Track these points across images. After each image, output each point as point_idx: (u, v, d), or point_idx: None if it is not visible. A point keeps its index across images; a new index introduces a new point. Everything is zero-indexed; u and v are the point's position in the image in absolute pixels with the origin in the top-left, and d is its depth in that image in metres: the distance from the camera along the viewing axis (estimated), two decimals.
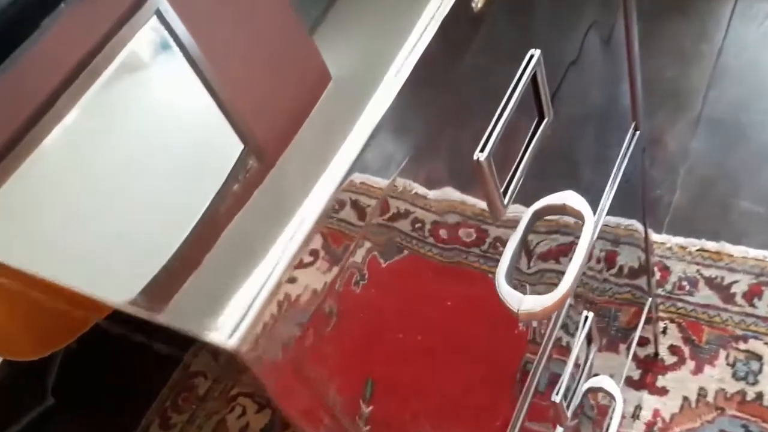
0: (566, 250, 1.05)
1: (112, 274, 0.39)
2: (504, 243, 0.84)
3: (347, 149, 0.55)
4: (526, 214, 0.82)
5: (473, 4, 0.60)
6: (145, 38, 0.40)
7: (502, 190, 0.74)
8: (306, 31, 0.52)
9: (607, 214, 1.12)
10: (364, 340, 0.63)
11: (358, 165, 0.57)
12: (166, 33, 0.41)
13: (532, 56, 0.72)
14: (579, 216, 0.82)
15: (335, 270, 0.55)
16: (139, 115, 0.41)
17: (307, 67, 0.52)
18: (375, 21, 0.60)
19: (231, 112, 0.45)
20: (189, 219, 0.44)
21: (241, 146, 0.47)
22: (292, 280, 0.51)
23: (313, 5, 0.54)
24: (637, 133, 1.18)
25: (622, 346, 1.43)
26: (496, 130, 0.69)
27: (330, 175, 0.55)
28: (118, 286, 0.39)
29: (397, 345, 0.68)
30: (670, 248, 1.87)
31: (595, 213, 1.10)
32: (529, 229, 0.83)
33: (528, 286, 0.93)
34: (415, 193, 0.65)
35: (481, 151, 0.68)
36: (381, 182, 0.61)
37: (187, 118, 0.44)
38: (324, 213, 0.52)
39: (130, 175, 0.41)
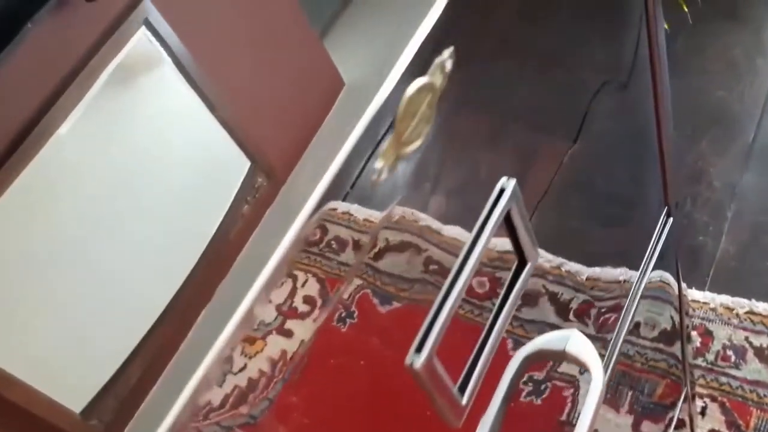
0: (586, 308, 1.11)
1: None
2: (537, 296, 0.88)
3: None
4: (514, 360, 0.78)
5: (373, 177, 0.61)
6: (133, 52, 0.44)
7: (457, 387, 0.67)
8: (317, 36, 0.57)
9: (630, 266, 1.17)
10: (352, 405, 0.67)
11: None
12: (157, 44, 0.46)
13: (503, 190, 0.68)
14: (584, 366, 0.77)
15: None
16: (129, 139, 0.45)
17: (318, 75, 0.57)
18: (386, 22, 0.66)
19: (234, 126, 0.49)
20: (192, 254, 0.48)
21: (248, 163, 0.51)
22: (287, 334, 0.56)
23: (324, 8, 0.59)
24: (670, 219, 1.21)
25: (655, 428, 1.47)
26: (440, 318, 0.62)
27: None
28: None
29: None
30: (713, 309, 1.93)
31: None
32: (517, 381, 0.77)
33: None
34: (426, 227, 0.69)
35: (418, 351, 0.61)
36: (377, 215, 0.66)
37: (185, 137, 0.48)
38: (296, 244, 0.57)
39: (122, 212, 0.45)
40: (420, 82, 0.61)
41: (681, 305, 1.44)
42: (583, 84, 0.95)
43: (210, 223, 0.50)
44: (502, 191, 0.68)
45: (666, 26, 2.15)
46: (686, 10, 2.16)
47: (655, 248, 1.19)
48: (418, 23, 0.62)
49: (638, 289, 1.16)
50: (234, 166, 0.51)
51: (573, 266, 1.01)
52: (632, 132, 1.12)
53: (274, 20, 0.53)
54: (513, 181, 0.69)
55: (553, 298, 0.97)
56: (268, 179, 0.54)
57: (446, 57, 0.63)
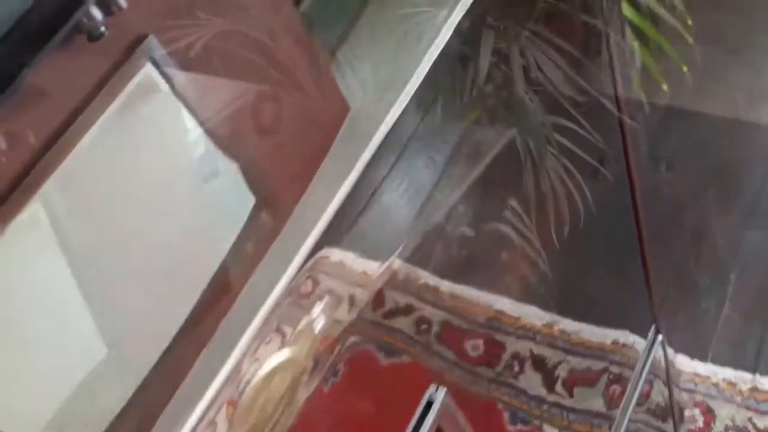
0: (591, 379, 1.13)
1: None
2: (524, 360, 0.90)
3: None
4: None
5: None
6: (138, 88, 0.47)
7: None
8: (325, 62, 0.60)
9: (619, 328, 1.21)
10: None
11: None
12: (162, 80, 0.48)
13: (430, 403, 0.66)
14: None
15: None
16: (130, 175, 0.48)
17: (324, 102, 0.60)
18: (391, 45, 0.69)
19: (238, 160, 0.52)
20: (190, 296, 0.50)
21: (253, 199, 0.54)
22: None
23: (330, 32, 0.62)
24: (659, 336, 1.30)
25: None
26: None
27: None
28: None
29: None
30: (715, 384, 1.96)
31: None
32: None
33: (545, 426, 0.99)
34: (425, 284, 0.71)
35: None
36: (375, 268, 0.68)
37: (188, 173, 0.50)
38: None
39: (119, 251, 0.47)
40: (276, 360, 0.55)
41: (668, 370, 1.49)
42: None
43: (212, 262, 0.52)
44: (429, 404, 0.65)
45: (665, 87, 2.24)
46: (685, 70, 2.24)
47: (644, 366, 1.25)
48: (425, 46, 0.65)
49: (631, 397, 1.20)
50: (238, 201, 0.53)
51: (569, 325, 1.03)
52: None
53: (280, 48, 0.56)
54: (443, 392, 0.66)
55: (539, 363, 0.99)
56: (273, 215, 0.56)
57: (316, 315, 0.60)
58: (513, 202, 0.83)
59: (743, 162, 2.34)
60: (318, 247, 0.60)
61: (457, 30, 0.64)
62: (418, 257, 0.70)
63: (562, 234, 0.89)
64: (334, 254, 0.63)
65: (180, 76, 0.49)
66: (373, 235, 0.65)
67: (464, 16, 0.66)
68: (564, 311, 1.00)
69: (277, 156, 0.58)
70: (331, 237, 0.61)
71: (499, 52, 0.74)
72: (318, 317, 0.61)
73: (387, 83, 0.64)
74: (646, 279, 1.24)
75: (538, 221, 0.87)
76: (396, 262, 0.69)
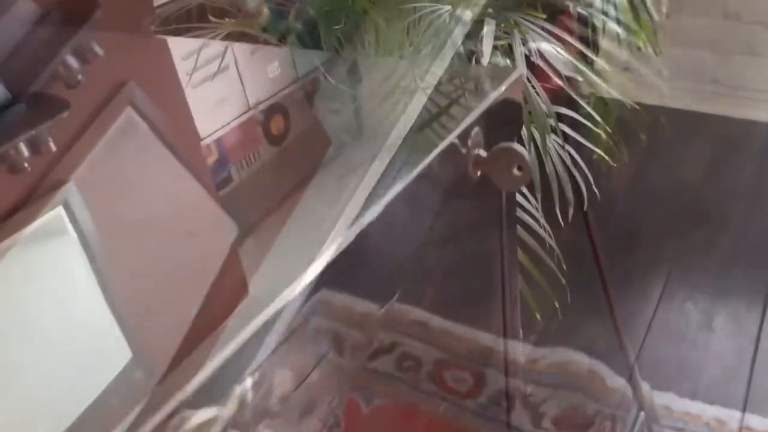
0: (582, 423, 1.13)
1: None
2: (511, 394, 0.90)
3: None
4: None
5: None
6: (121, 129, 0.48)
7: None
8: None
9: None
10: None
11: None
12: (141, 121, 0.49)
13: None
14: None
15: None
16: (118, 209, 0.48)
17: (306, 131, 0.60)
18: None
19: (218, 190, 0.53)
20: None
21: (236, 226, 0.54)
22: None
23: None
24: (641, 413, 1.31)
25: None
26: None
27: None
28: None
29: None
30: (707, 423, 1.96)
31: None
32: None
33: None
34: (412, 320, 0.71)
35: None
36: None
37: (170, 202, 0.51)
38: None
39: (109, 281, 0.47)
40: (203, 416, 0.54)
41: (641, 402, 1.50)
42: None
43: (201, 287, 0.52)
44: None
45: (643, 136, 2.26)
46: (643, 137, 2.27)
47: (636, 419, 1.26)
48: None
49: None
50: (221, 229, 0.54)
51: (557, 356, 1.04)
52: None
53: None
54: None
55: (525, 400, 1.00)
56: (256, 245, 0.56)
57: (249, 387, 0.60)
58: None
59: (717, 205, 2.37)
60: (316, 289, 0.60)
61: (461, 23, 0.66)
62: (409, 295, 0.71)
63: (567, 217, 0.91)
64: (332, 296, 0.63)
65: (160, 119, 0.50)
66: (370, 276, 0.65)
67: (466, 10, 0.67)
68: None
69: (259, 184, 0.59)
70: (328, 279, 0.61)
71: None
72: (248, 389, 0.61)
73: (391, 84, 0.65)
74: (617, 335, 1.26)
75: (544, 207, 0.89)
76: (395, 306, 0.69)
